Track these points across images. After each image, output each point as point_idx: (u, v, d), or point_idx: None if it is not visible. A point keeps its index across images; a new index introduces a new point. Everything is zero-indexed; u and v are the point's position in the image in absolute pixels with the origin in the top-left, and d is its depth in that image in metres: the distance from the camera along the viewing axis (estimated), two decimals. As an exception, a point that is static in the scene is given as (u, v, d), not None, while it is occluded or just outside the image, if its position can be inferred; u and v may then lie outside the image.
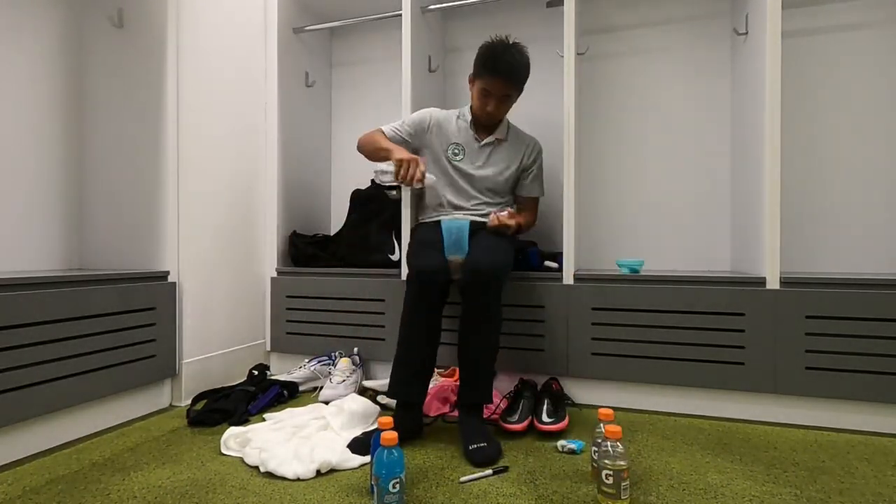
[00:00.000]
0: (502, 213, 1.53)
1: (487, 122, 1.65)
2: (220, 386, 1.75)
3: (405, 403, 1.36)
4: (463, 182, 1.66)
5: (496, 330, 1.39)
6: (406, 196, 1.82)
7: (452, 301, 1.75)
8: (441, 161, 1.67)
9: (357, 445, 1.25)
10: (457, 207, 1.66)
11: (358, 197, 2.10)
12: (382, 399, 1.62)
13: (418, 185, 1.50)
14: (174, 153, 1.64)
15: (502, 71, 1.51)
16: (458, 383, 1.64)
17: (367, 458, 1.19)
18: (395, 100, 2.26)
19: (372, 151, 1.63)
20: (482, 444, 1.23)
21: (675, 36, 1.96)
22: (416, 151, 1.68)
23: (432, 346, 1.39)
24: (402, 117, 1.89)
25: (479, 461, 1.20)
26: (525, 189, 1.71)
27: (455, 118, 1.70)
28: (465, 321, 1.38)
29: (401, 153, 1.53)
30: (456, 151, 1.66)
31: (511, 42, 1.52)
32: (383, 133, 1.67)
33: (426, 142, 1.68)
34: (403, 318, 1.39)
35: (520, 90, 1.59)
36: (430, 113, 1.70)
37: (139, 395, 1.55)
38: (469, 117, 1.68)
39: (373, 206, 2.03)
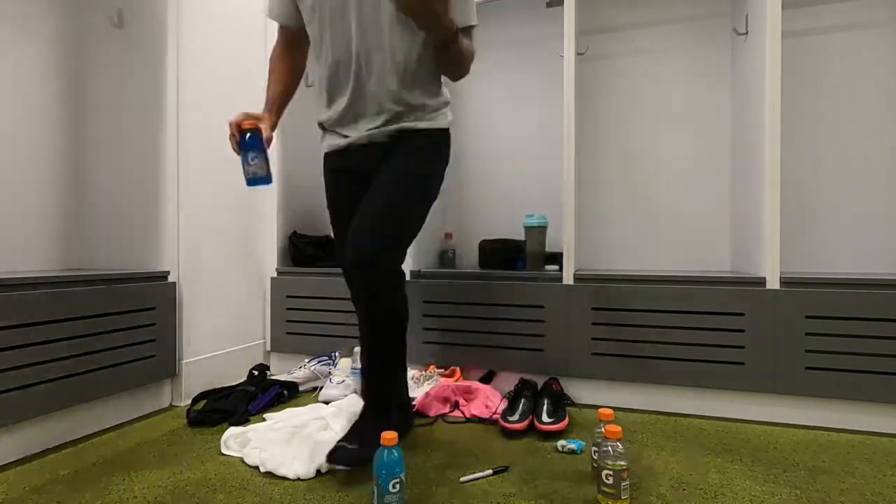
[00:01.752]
0: None
1: None
2: (220, 386, 1.75)
3: (370, 406, 1.27)
4: (347, 22, 1.14)
5: (401, 335, 1.18)
6: None
7: (447, 301, 1.76)
8: (311, 15, 1.19)
9: (337, 455, 1.09)
10: (359, 84, 1.17)
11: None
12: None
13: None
14: (174, 153, 1.64)
15: None
16: (458, 383, 1.64)
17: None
18: (395, 100, 2.26)
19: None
20: (343, 444, 1.10)
21: (675, 36, 1.95)
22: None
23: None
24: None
25: (334, 458, 1.07)
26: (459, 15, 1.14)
27: None
28: (361, 320, 1.18)
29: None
30: None
31: None
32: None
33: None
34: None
35: None
36: None
37: (139, 395, 1.55)
38: None
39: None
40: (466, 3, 1.17)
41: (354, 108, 1.19)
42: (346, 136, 1.22)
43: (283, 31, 1.30)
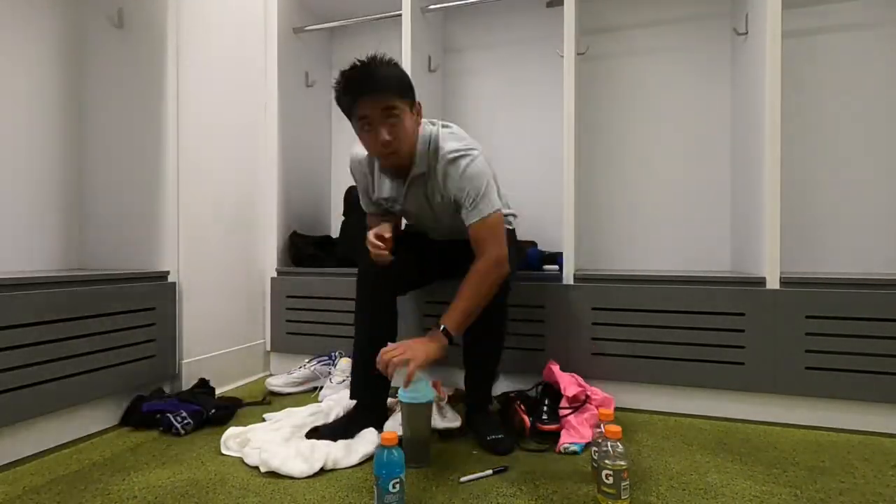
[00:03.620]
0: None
1: (395, 163, 1.28)
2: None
3: (362, 405, 1.38)
4: (420, 222, 1.47)
5: (502, 336, 1.39)
6: None
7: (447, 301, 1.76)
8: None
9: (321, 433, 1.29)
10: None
11: (352, 195, 2.09)
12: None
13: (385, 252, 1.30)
14: (174, 153, 1.64)
15: (363, 86, 1.18)
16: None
17: (367, 452, 1.21)
18: (395, 100, 2.26)
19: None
20: (499, 436, 1.28)
21: (675, 36, 1.95)
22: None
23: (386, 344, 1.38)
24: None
25: (500, 450, 1.25)
26: (468, 216, 1.24)
27: (368, 169, 1.40)
28: (473, 328, 1.31)
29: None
30: (390, 205, 1.40)
31: (368, 58, 1.20)
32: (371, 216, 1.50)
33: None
34: (355, 315, 1.40)
35: (402, 95, 1.20)
36: (352, 171, 1.45)
37: (139, 394, 1.55)
38: (380, 172, 1.39)
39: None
40: (477, 202, 1.23)
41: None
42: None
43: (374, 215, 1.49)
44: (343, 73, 1.20)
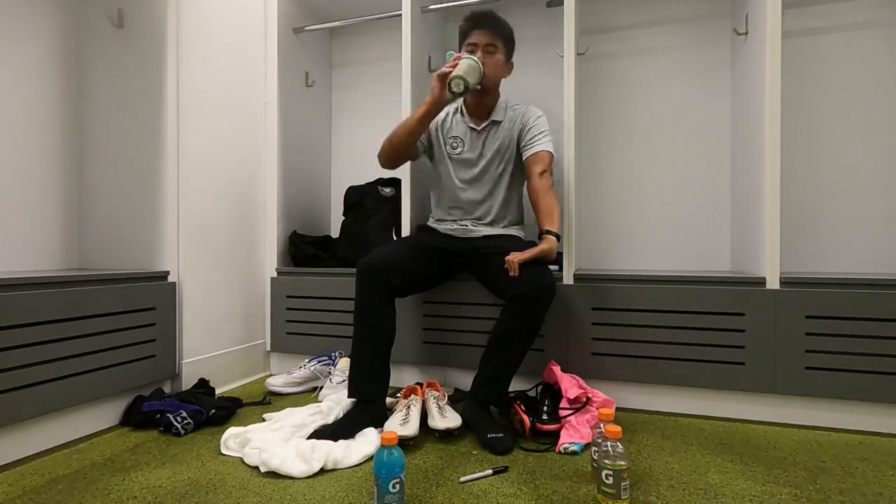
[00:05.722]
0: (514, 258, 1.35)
1: (483, 84, 1.52)
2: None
3: (360, 401, 1.39)
4: (466, 176, 1.65)
5: (527, 346, 1.40)
6: (406, 192, 1.83)
7: (446, 301, 1.76)
8: (444, 160, 1.68)
9: (320, 434, 1.28)
10: (466, 211, 1.67)
11: (352, 194, 2.09)
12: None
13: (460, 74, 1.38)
14: (174, 153, 1.64)
15: (482, 20, 1.54)
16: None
17: (367, 452, 1.21)
18: (394, 100, 2.26)
19: (400, 134, 1.53)
20: (499, 434, 1.28)
21: (675, 36, 1.96)
22: (429, 147, 1.71)
23: (385, 343, 1.42)
24: (402, 118, 1.89)
25: (499, 449, 1.25)
26: (529, 149, 1.56)
27: (451, 112, 1.70)
28: (506, 329, 1.38)
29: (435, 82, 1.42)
30: (454, 145, 1.66)
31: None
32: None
33: (434, 140, 1.70)
34: (354, 314, 1.43)
35: (504, 43, 1.57)
36: None
37: (139, 394, 1.55)
38: (462, 107, 1.69)
39: (368, 202, 2.03)
40: (539, 135, 1.57)
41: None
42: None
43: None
44: (473, 10, 1.60)
